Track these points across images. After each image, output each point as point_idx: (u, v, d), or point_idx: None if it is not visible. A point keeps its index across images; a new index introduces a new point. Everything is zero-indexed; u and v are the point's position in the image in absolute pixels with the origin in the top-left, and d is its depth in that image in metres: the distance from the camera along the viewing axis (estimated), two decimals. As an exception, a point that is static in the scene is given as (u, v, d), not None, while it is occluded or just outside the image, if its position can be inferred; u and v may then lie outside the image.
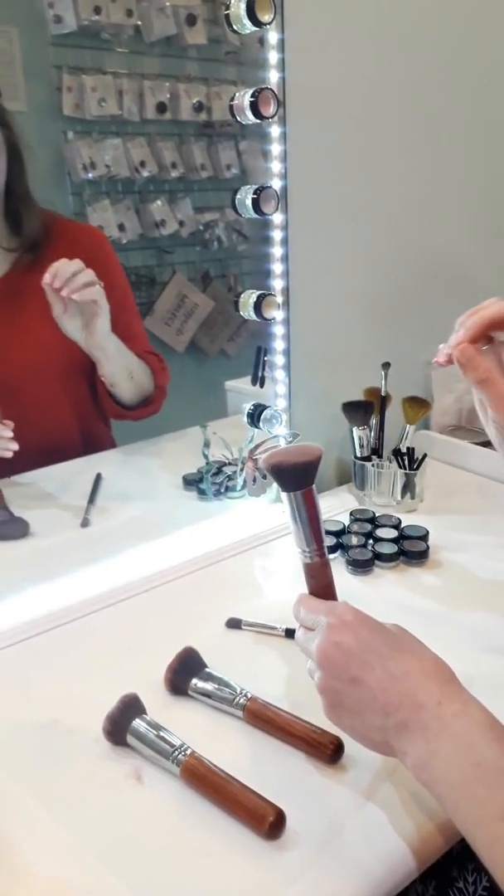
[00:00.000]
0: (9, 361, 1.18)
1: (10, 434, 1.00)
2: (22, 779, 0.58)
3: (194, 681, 0.66)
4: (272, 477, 0.58)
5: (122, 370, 1.15)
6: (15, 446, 1.01)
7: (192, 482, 1.07)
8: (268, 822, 0.52)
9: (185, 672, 0.66)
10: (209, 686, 0.65)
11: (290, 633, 0.73)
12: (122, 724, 0.60)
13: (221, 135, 3.28)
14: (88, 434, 1.32)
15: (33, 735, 0.62)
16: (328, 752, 0.58)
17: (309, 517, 0.58)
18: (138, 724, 0.60)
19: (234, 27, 0.79)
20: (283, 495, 0.58)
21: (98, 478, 1.11)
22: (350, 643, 0.53)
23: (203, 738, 0.60)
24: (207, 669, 0.67)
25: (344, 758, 0.59)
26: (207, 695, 0.65)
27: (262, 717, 0.62)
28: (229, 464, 1.08)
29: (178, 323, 3.54)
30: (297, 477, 0.57)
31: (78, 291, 0.99)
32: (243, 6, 0.77)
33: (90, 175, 2.90)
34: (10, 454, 1.01)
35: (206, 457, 1.02)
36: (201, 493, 1.04)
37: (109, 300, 1.23)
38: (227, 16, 0.80)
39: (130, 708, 0.61)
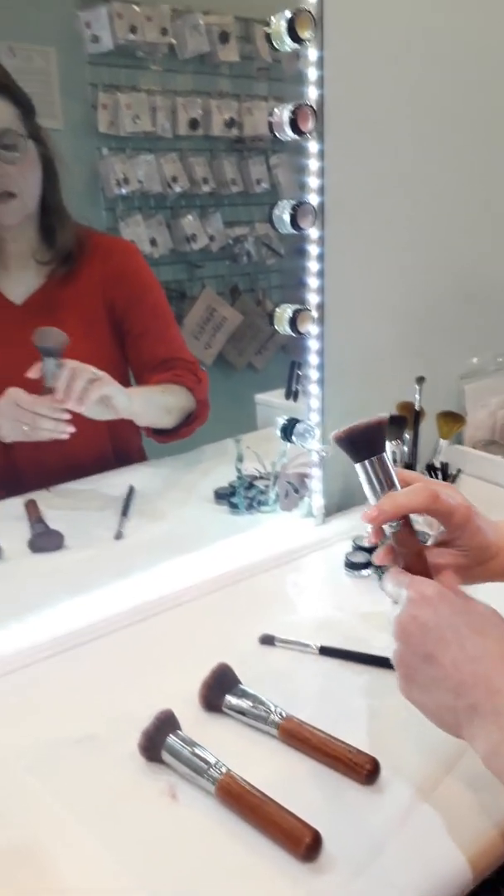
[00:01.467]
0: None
1: (68, 416, 1.02)
2: (58, 792, 0.58)
3: (228, 697, 0.65)
4: (344, 450, 0.56)
5: (158, 416, 1.17)
6: (71, 429, 1.03)
7: (224, 496, 1.07)
8: (304, 844, 0.51)
9: (219, 688, 0.66)
10: (243, 703, 0.64)
11: (323, 651, 0.73)
12: (157, 740, 0.60)
13: (252, 150, 3.30)
14: (121, 446, 1.33)
15: (70, 749, 0.63)
16: (364, 772, 0.58)
17: (388, 485, 0.55)
18: (173, 740, 0.59)
19: (275, 44, 0.80)
20: (358, 467, 0.56)
21: (131, 490, 1.12)
22: (428, 618, 0.51)
23: (237, 755, 0.59)
24: (241, 686, 0.66)
25: (381, 778, 0.58)
26: (242, 712, 0.64)
27: (297, 736, 0.61)
28: (261, 478, 1.08)
29: (207, 336, 3.56)
30: (368, 442, 0.55)
31: (86, 402, 1.01)
32: (284, 24, 0.78)
33: (123, 190, 2.94)
34: (66, 436, 1.03)
35: (238, 471, 1.02)
36: (233, 506, 1.04)
37: (141, 310, 1.24)
38: (268, 34, 0.80)
39: (165, 724, 0.60)
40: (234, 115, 3.03)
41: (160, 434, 1.21)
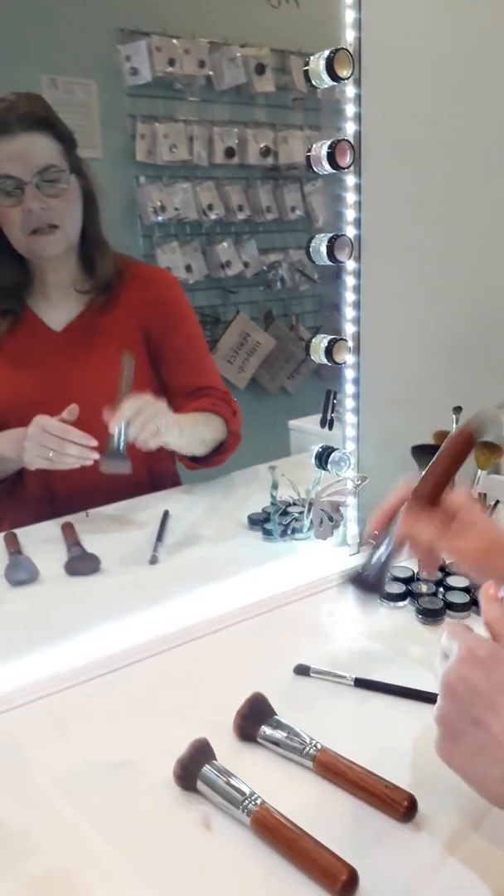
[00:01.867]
0: (81, 399, 1.22)
1: (95, 443, 1.04)
2: (93, 818, 0.59)
3: (263, 728, 0.65)
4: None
5: (195, 445, 1.18)
6: (95, 455, 1.04)
7: (258, 522, 1.07)
8: (340, 882, 0.51)
9: (254, 718, 0.66)
10: (279, 734, 0.64)
11: (359, 683, 0.72)
12: (192, 769, 0.60)
13: (287, 178, 3.35)
14: (155, 471, 1.35)
15: (105, 775, 0.63)
16: (402, 809, 0.57)
17: None
18: (208, 770, 0.60)
19: (314, 82, 0.81)
20: None
21: (165, 515, 1.13)
22: (479, 681, 0.48)
23: (272, 787, 0.59)
24: (276, 717, 0.66)
25: (418, 816, 0.57)
26: (276, 743, 0.64)
27: (333, 770, 0.61)
28: (294, 504, 1.09)
29: (240, 360, 3.58)
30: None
31: (152, 440, 1.04)
32: (323, 62, 0.80)
33: (160, 218, 3.00)
34: (90, 462, 1.05)
35: (273, 498, 1.03)
36: (267, 533, 1.04)
37: (177, 340, 1.26)
38: (307, 71, 0.82)
39: (201, 753, 0.61)
40: (269, 143, 3.08)
41: (192, 461, 1.22)
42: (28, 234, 1.12)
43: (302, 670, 0.75)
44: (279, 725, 0.65)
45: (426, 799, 0.58)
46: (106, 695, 0.74)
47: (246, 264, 3.06)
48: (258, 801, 0.57)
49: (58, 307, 1.25)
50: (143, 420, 1.03)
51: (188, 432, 1.13)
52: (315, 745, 0.63)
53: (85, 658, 0.77)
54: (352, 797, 0.60)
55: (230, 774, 0.59)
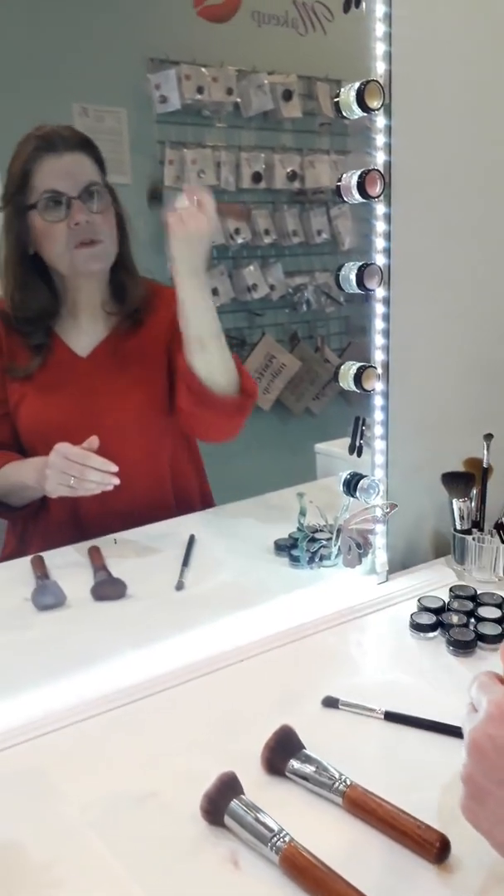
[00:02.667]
0: (109, 421, 1.23)
1: (115, 468, 1.05)
2: (118, 851, 0.58)
3: (292, 762, 0.64)
4: None
5: (220, 351, 1.18)
6: (116, 481, 1.05)
7: (284, 548, 1.07)
8: (372, 925, 0.50)
9: (282, 752, 0.65)
10: (307, 769, 0.63)
11: (389, 717, 0.71)
12: (219, 804, 0.59)
13: (313, 202, 3.37)
14: (181, 493, 1.35)
15: (132, 806, 0.62)
16: (434, 850, 0.56)
17: None
18: (236, 805, 0.59)
19: (344, 113, 0.82)
20: None
21: (191, 540, 1.13)
22: None
23: (300, 823, 0.58)
24: (305, 751, 0.65)
25: (451, 857, 0.56)
26: (305, 777, 0.63)
27: (364, 807, 0.60)
28: (321, 530, 1.08)
29: (266, 382, 3.59)
30: None
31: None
32: (353, 94, 0.81)
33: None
34: (110, 487, 1.06)
35: (301, 525, 1.02)
36: (293, 559, 1.03)
37: None
38: (337, 102, 0.83)
39: (228, 787, 0.60)
40: (296, 168, 3.11)
41: (201, 398, 1.19)
42: (73, 248, 1.14)
43: (330, 702, 0.74)
44: (308, 759, 0.64)
45: (459, 840, 0.56)
46: (132, 723, 0.74)
47: (272, 287, 3.07)
48: (287, 839, 0.56)
49: (85, 331, 1.26)
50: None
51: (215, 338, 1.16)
52: (345, 781, 0.62)
53: (111, 685, 0.77)
54: (382, 836, 0.58)
55: (258, 810, 0.59)
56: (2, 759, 0.69)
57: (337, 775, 0.62)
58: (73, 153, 1.14)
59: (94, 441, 1.07)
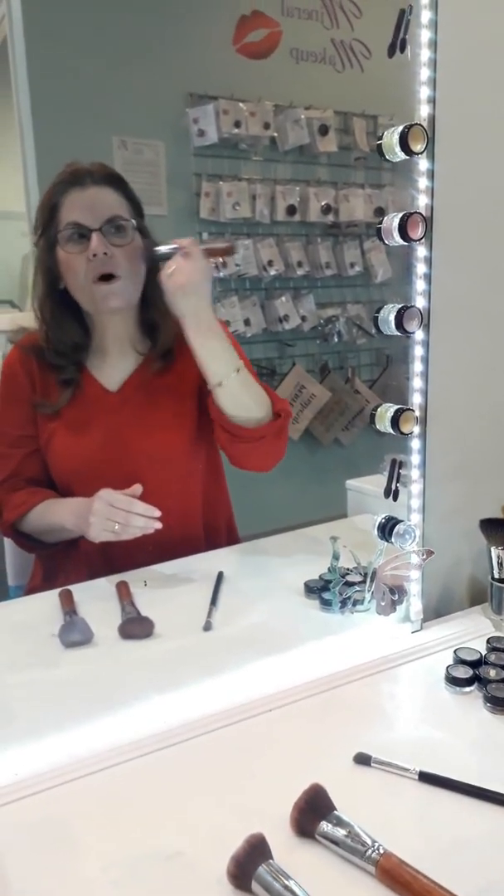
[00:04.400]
0: (141, 455, 1.23)
1: (158, 513, 1.06)
2: (142, 915, 0.56)
3: (323, 824, 0.62)
4: None
5: (240, 392, 1.17)
6: (159, 525, 1.05)
7: (315, 590, 1.05)
8: None
9: (312, 813, 0.62)
10: (338, 832, 0.61)
11: (423, 777, 0.68)
12: (247, 868, 0.57)
13: (347, 234, 3.40)
14: (210, 526, 1.34)
15: (157, 865, 0.60)
16: (472, 930, 0.53)
17: None
18: (264, 871, 0.56)
19: (387, 156, 0.82)
20: None
21: (220, 577, 1.12)
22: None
23: (330, 893, 0.56)
24: (336, 812, 0.63)
25: (490, 940, 0.53)
26: (336, 842, 0.61)
27: (398, 879, 0.57)
28: (351, 571, 1.06)
29: (295, 412, 3.59)
30: None
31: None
32: (397, 137, 0.80)
33: (221, 274, 3.06)
34: (151, 530, 1.06)
35: (334, 571, 1.00)
36: (324, 603, 1.01)
37: None
38: (380, 145, 0.82)
39: (257, 851, 0.57)
40: (330, 201, 3.14)
41: (231, 434, 1.18)
42: (92, 282, 1.15)
43: (362, 759, 0.71)
44: (339, 822, 0.61)
45: (500, 921, 0.53)
46: (156, 772, 0.72)
47: (303, 318, 3.09)
48: (317, 911, 0.53)
49: (114, 366, 1.26)
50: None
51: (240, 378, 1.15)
52: (378, 849, 0.59)
53: (136, 732, 0.76)
54: (417, 911, 0.55)
55: (287, 877, 0.56)
56: (23, 807, 0.68)
57: (369, 842, 0.59)
58: (98, 187, 1.15)
59: (137, 489, 1.08)
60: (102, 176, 1.17)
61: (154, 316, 1.25)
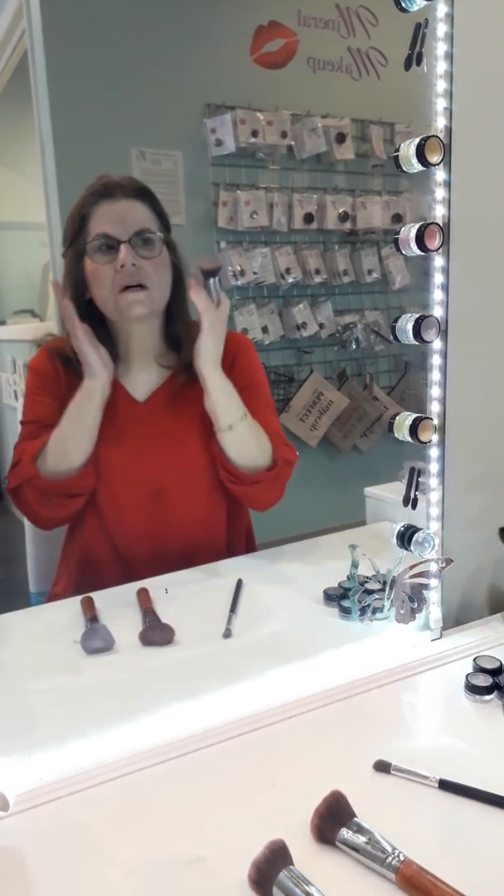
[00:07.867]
0: (165, 466, 1.24)
1: None
2: (164, 920, 0.57)
3: (343, 831, 0.62)
4: None
5: (256, 436, 1.20)
6: None
7: (334, 598, 1.05)
8: None
9: (332, 819, 0.63)
10: (359, 839, 0.61)
11: (443, 785, 0.69)
12: (268, 874, 0.57)
13: (364, 242, 3.40)
14: (232, 534, 1.35)
15: (178, 872, 0.61)
16: (493, 939, 0.53)
17: None
18: (285, 877, 0.57)
19: (404, 167, 0.82)
20: None
21: (239, 584, 1.12)
22: None
23: (351, 900, 0.56)
24: (356, 819, 0.63)
25: None
26: (356, 849, 0.61)
27: (419, 886, 0.57)
28: (370, 579, 1.06)
29: (313, 419, 3.60)
30: None
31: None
32: (413, 149, 0.81)
33: (239, 282, 3.08)
34: None
35: (353, 579, 1.00)
36: (344, 610, 1.01)
37: (245, 396, 1.25)
38: (397, 157, 0.83)
39: (278, 857, 0.58)
40: (347, 209, 3.15)
41: (233, 476, 1.21)
42: (118, 292, 1.16)
43: (382, 767, 0.71)
44: (360, 829, 0.62)
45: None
46: (177, 779, 0.73)
47: (321, 325, 3.09)
48: (338, 918, 0.54)
49: (140, 378, 1.28)
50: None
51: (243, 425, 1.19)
52: (398, 856, 0.59)
53: (157, 738, 0.76)
54: (438, 919, 0.56)
55: (308, 883, 0.57)
56: (45, 813, 0.69)
57: (390, 849, 0.60)
58: (128, 200, 1.17)
59: None
60: (133, 189, 1.19)
61: (178, 329, 1.26)
